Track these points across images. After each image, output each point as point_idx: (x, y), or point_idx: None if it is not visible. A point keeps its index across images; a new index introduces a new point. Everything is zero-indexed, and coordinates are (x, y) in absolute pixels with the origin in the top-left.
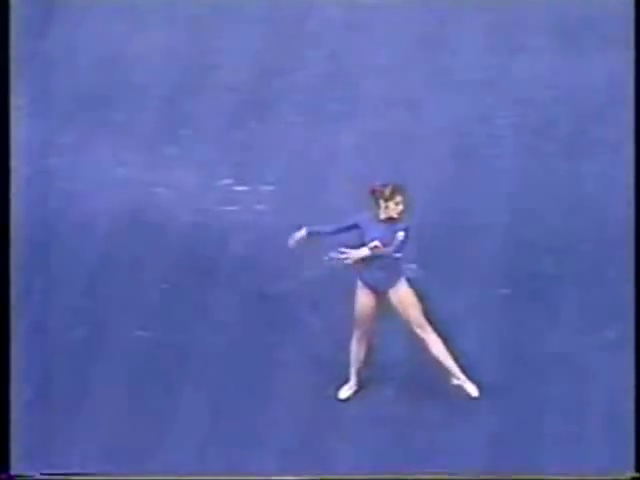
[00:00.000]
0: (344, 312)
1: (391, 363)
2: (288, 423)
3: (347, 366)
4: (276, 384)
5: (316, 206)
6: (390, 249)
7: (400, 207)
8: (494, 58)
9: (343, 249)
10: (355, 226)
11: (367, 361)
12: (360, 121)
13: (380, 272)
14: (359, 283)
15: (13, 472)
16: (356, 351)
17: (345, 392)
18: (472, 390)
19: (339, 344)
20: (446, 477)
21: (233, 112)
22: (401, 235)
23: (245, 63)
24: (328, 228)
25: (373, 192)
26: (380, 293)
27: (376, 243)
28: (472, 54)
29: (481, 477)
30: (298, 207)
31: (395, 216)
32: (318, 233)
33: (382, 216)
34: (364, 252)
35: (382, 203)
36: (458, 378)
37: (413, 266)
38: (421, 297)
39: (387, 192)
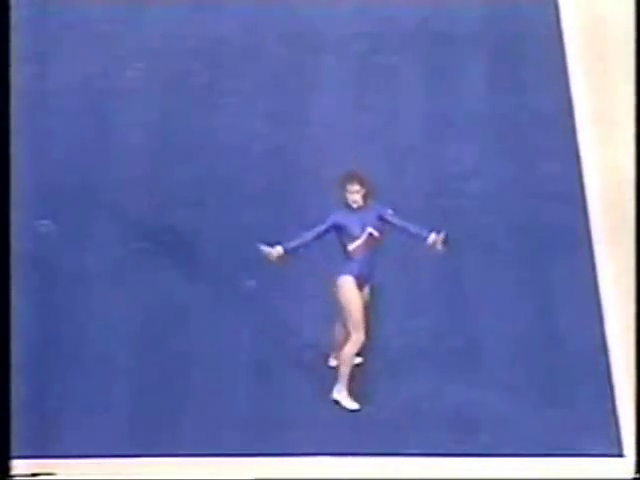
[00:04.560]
0: None
1: None
2: None
3: None
4: None
5: None
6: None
7: (364, 191)
8: (123, 11)
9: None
10: (334, 227)
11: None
12: None
13: (368, 263)
14: (346, 278)
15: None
16: (348, 351)
17: (346, 398)
18: (350, 405)
19: None
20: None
21: None
22: (391, 212)
23: None
24: (308, 237)
25: (342, 182)
26: (364, 286)
27: (371, 230)
28: (99, 7)
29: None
30: None
31: (362, 203)
32: (297, 247)
33: (354, 205)
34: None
35: (349, 191)
36: (339, 383)
37: (45, 222)
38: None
39: (353, 179)
